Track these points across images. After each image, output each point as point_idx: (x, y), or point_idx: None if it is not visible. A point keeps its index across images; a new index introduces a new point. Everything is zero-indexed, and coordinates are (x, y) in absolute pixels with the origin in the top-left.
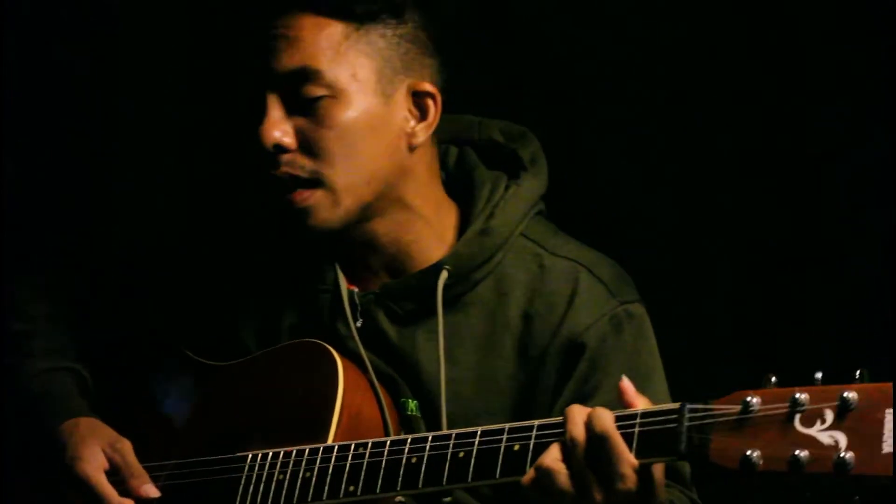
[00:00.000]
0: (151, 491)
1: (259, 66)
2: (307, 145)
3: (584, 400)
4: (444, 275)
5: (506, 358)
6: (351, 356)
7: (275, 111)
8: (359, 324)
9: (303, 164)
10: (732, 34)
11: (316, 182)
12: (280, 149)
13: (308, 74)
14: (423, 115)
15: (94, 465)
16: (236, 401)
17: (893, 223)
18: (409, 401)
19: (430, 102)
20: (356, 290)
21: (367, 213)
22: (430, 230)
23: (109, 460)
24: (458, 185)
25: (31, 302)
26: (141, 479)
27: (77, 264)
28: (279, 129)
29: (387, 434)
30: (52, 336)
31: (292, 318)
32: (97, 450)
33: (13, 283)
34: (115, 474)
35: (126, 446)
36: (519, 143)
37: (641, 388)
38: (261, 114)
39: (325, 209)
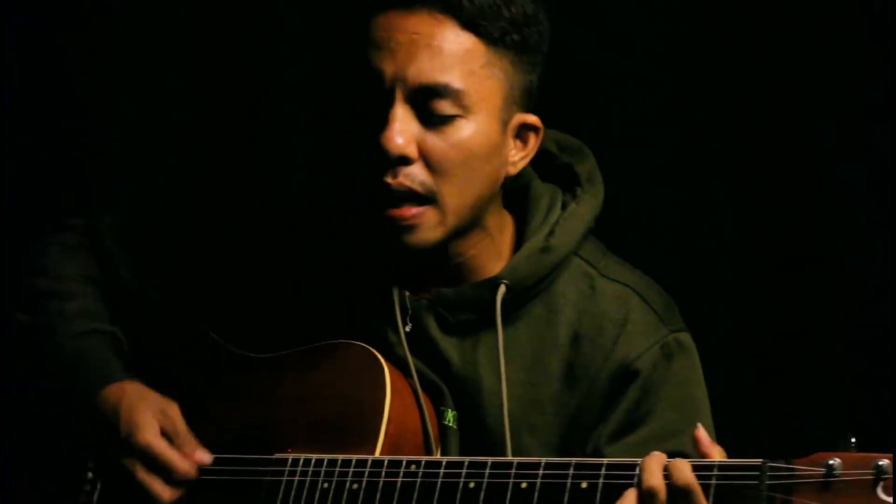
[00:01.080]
0: (205, 457)
1: (395, 69)
2: (429, 160)
3: (632, 426)
4: (502, 289)
5: (552, 376)
6: (396, 360)
7: (405, 120)
8: (408, 328)
9: (422, 180)
10: (732, 34)
11: (429, 200)
12: (403, 159)
13: (447, 91)
14: (524, 145)
15: (153, 433)
16: (272, 396)
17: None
18: (448, 411)
19: (532, 135)
20: (408, 294)
21: (456, 233)
22: (492, 245)
23: (160, 426)
24: (512, 196)
25: (59, 262)
26: (192, 445)
27: (109, 232)
28: (405, 139)
29: (426, 443)
30: (85, 297)
31: (339, 315)
32: (149, 415)
33: (37, 243)
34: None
35: (175, 410)
36: (575, 158)
37: (690, 419)
38: (384, 118)
39: (430, 229)
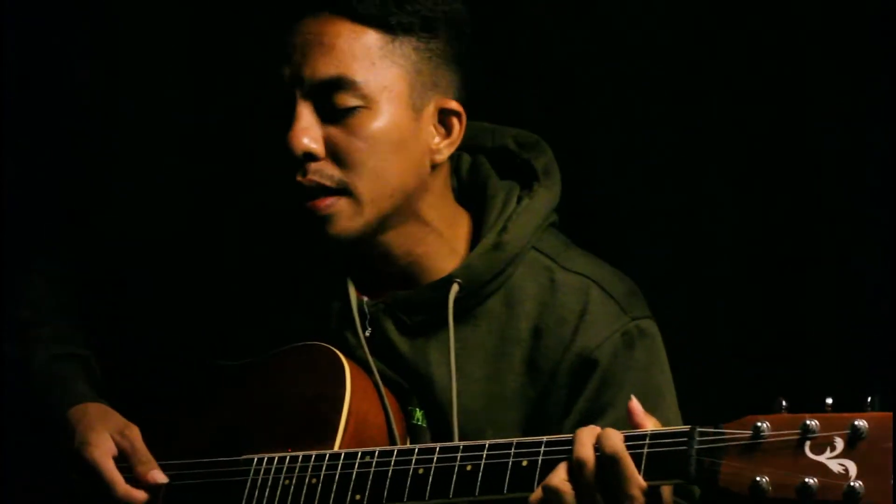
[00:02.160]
0: (159, 477)
1: (291, 71)
2: (336, 154)
3: (595, 416)
4: (455, 288)
5: (514, 371)
6: (359, 364)
7: (306, 118)
8: (367, 333)
9: (331, 174)
10: (732, 34)
11: (341, 191)
12: (309, 156)
13: (343, 84)
14: (447, 132)
15: (102, 451)
16: (241, 401)
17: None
18: (416, 410)
19: (455, 120)
20: (366, 299)
21: (383, 225)
22: (442, 242)
23: (118, 446)
24: (471, 194)
25: (38, 290)
26: (149, 465)
27: (85, 257)
28: (309, 137)
29: (392, 441)
30: (59, 323)
31: (300, 323)
32: (106, 435)
33: (21, 272)
34: (124, 461)
35: (134, 432)
36: (532, 153)
37: (653, 405)
38: (289, 119)
39: (347, 218)
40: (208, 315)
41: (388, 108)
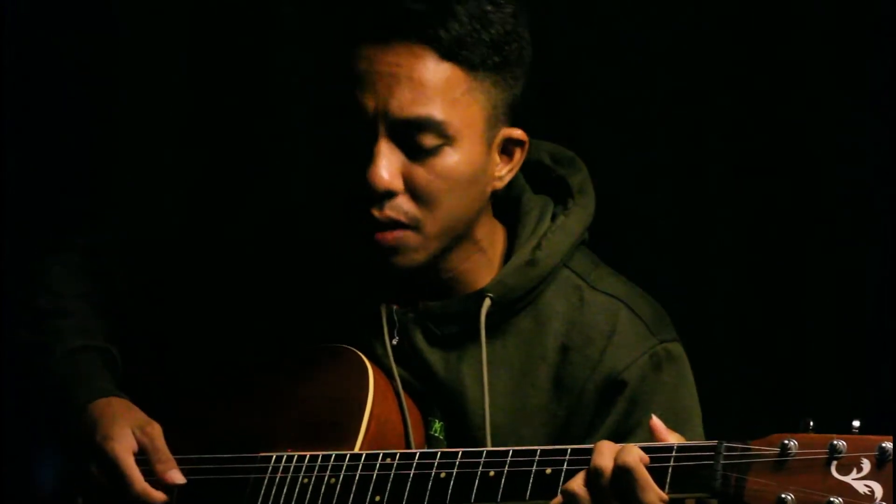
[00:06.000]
0: (177, 477)
1: (375, 104)
2: (414, 191)
3: (622, 437)
4: (487, 303)
5: (540, 388)
6: (384, 371)
7: (389, 154)
8: (395, 341)
9: (406, 210)
10: (732, 34)
11: (413, 226)
12: (389, 194)
13: (429, 124)
14: (509, 158)
15: (123, 446)
16: (263, 399)
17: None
18: (436, 421)
19: (517, 149)
20: (395, 307)
21: (443, 251)
22: (483, 258)
23: (138, 442)
24: (505, 207)
25: (58, 280)
26: (168, 464)
27: (106, 250)
28: (391, 173)
29: (409, 447)
30: (82, 315)
31: (327, 326)
32: (128, 430)
33: (37, 261)
34: (143, 457)
35: (156, 430)
36: (567, 170)
37: (680, 428)
38: (369, 151)
39: (414, 251)
40: (233, 313)
41: (467, 146)
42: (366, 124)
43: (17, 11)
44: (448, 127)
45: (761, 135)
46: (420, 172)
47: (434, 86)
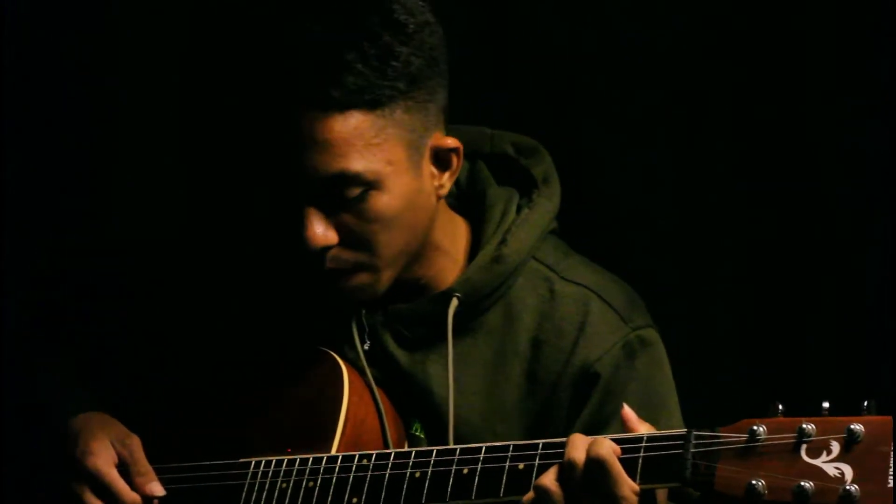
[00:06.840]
0: (157, 489)
1: (291, 171)
2: (349, 239)
3: (598, 429)
4: (454, 302)
5: (514, 384)
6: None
7: (316, 219)
8: (366, 346)
9: (346, 258)
10: (732, 34)
11: (360, 269)
12: (326, 248)
13: (346, 178)
14: (447, 165)
15: (104, 459)
16: (240, 405)
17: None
18: (415, 421)
19: (453, 156)
20: (364, 311)
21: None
22: (447, 258)
23: (118, 455)
24: (469, 201)
25: (38, 295)
26: (147, 476)
27: (84, 260)
28: (322, 231)
29: (386, 446)
30: (60, 330)
31: (299, 332)
32: (107, 443)
33: (20, 275)
34: (123, 470)
35: (135, 442)
36: (531, 160)
37: (656, 415)
38: (299, 216)
39: (369, 287)
40: (207, 321)
41: (393, 182)
42: (288, 189)
43: (17, 11)
44: (366, 174)
45: (761, 135)
46: (351, 221)
47: (342, 141)
